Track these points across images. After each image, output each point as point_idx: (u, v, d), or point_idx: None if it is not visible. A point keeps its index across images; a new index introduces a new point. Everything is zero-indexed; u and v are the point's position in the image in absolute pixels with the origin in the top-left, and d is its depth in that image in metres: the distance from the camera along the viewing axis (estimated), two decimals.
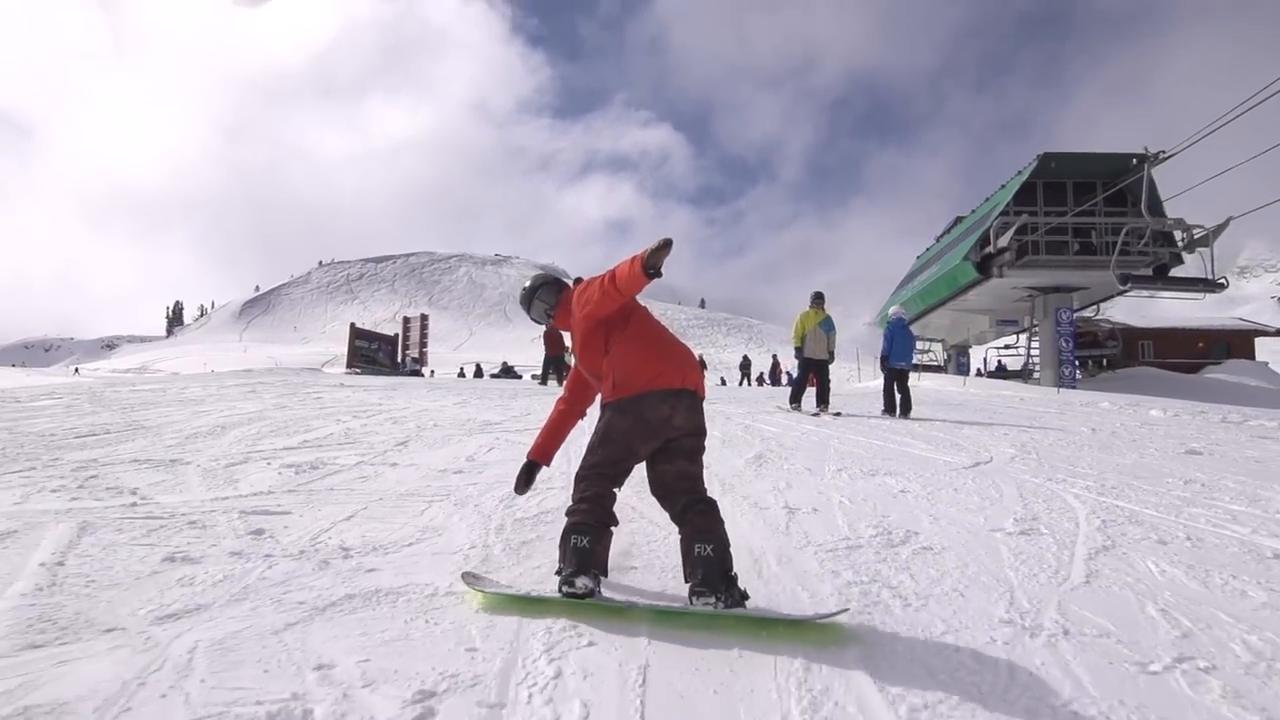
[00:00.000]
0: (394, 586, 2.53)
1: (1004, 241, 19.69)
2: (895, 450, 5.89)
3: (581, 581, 2.29)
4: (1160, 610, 2.39)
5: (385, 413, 7.82)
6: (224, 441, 5.71)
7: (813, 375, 9.61)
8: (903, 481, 4.47)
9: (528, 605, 2.33)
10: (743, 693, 1.82)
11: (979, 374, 27.25)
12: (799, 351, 9.64)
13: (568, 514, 2.44)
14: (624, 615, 2.27)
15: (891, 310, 10.03)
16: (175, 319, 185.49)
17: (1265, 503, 4.04)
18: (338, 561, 2.81)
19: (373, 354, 24.20)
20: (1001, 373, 26.48)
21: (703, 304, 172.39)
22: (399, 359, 25.87)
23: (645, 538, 3.16)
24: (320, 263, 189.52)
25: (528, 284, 2.84)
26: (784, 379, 33.23)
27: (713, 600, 2.20)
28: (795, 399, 9.63)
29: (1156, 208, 18.67)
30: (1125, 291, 20.28)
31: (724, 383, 29.17)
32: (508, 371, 31.24)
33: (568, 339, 2.82)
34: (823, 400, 9.43)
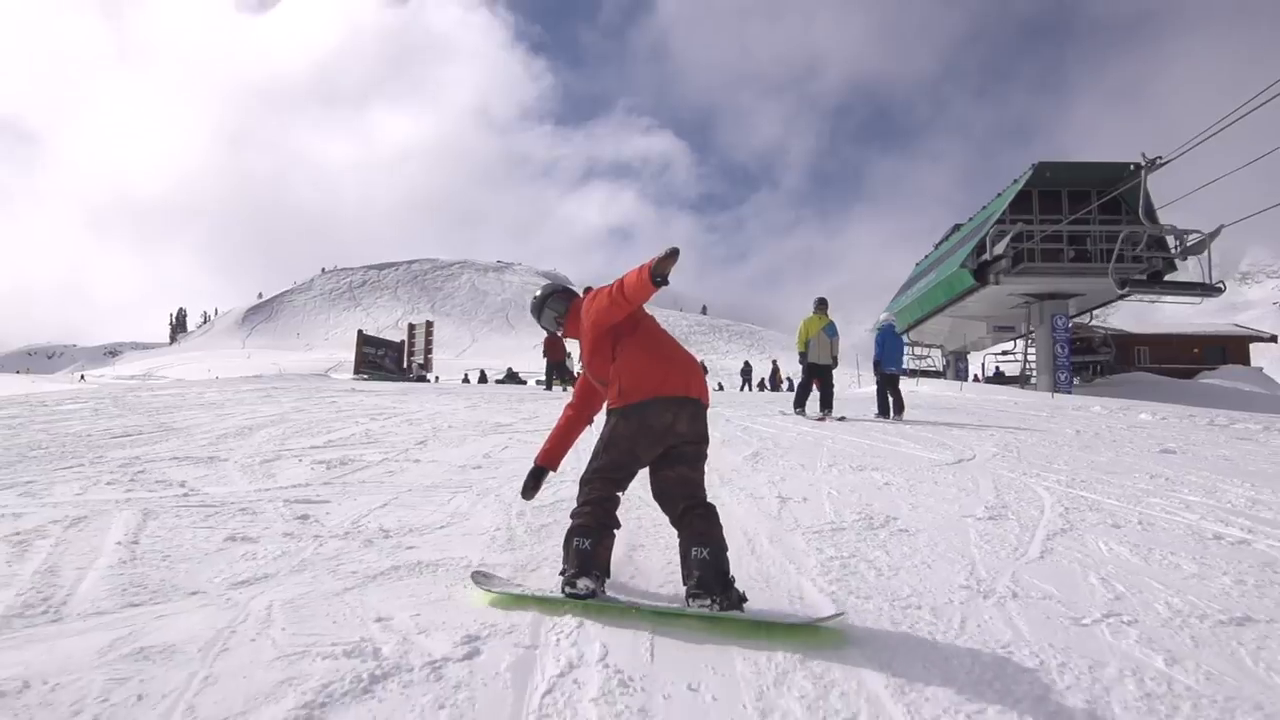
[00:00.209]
0: (433, 560, 2.90)
1: (1000, 249, 20.06)
2: (885, 449, 6.25)
3: (583, 582, 2.38)
4: (1100, 579, 2.75)
5: (400, 415, 8.19)
6: (253, 441, 6.08)
7: (816, 380, 9.65)
8: (888, 475, 4.83)
9: (534, 604, 2.42)
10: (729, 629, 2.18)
11: (975, 380, 27.57)
12: (803, 356, 9.68)
13: (572, 516, 2.52)
14: (625, 614, 2.35)
15: (882, 317, 10.33)
16: (179, 326, 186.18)
17: (1220, 494, 4.39)
18: (380, 541, 3.18)
19: (379, 360, 24.60)
20: (999, 379, 26.84)
21: (704, 310, 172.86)
22: (405, 365, 26.26)
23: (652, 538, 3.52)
24: (323, 269, 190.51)
25: (538, 293, 2.90)
26: (784, 385, 33.54)
27: (709, 602, 2.27)
28: (799, 404, 9.72)
29: (1151, 214, 19.02)
30: (1124, 296, 20.63)
31: (721, 388, 29.53)
32: (512, 377, 31.61)
33: (572, 345, 3.05)
34: (826, 405, 9.49)
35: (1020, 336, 24.32)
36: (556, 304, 2.85)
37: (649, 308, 2.69)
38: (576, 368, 19.38)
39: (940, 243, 27.53)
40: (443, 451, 5.65)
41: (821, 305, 9.72)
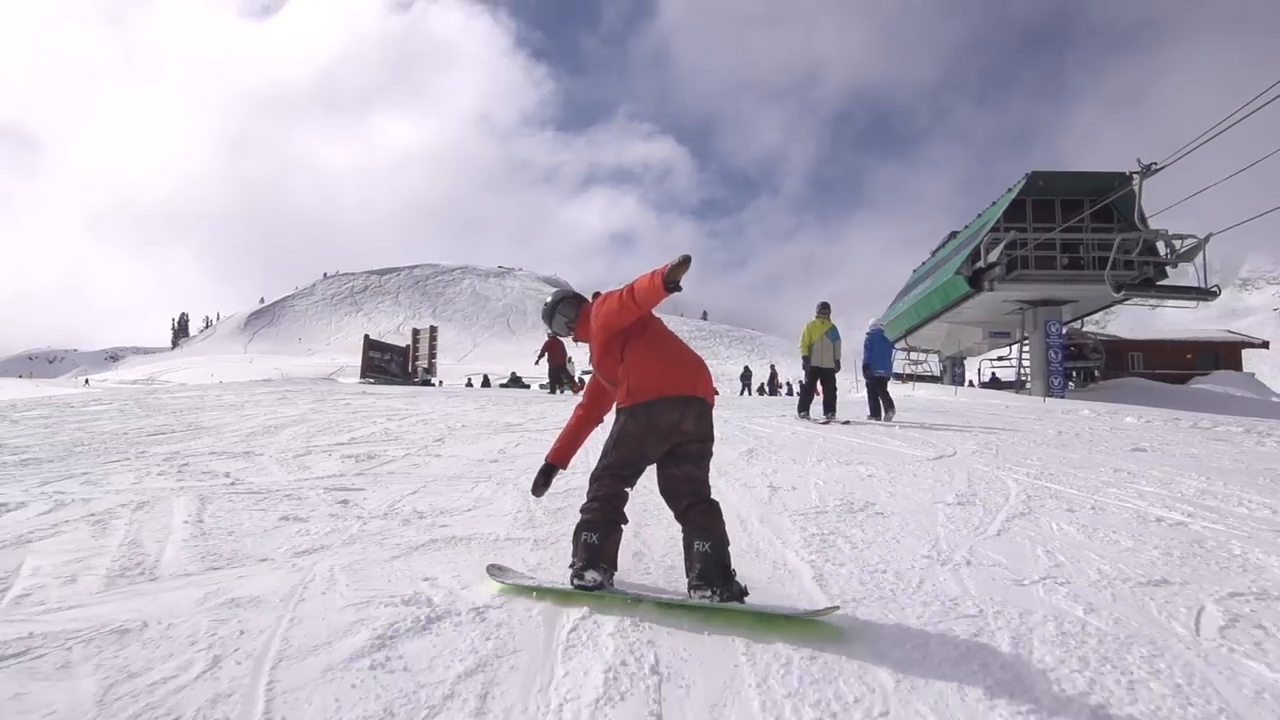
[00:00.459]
0: (465, 535, 3.32)
1: (993, 256, 20.51)
2: (873, 446, 6.67)
3: (590, 575, 2.47)
4: (1045, 551, 3.17)
5: (414, 416, 8.61)
6: (281, 439, 6.50)
7: (820, 383, 9.74)
8: (872, 469, 5.25)
9: (545, 595, 2.54)
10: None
11: (970, 385, 27.99)
12: (807, 360, 9.79)
13: (581, 511, 2.62)
14: (630, 605, 2.45)
15: (871, 322, 10.64)
16: (181, 330, 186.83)
17: (1174, 486, 4.80)
18: (416, 520, 3.60)
19: (385, 364, 25.05)
20: (995, 384, 27.27)
21: (705, 316, 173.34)
22: (410, 369, 26.70)
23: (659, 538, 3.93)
24: (325, 275, 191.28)
25: (549, 299, 3.03)
26: (783, 390, 33.94)
27: (709, 594, 2.35)
28: (804, 407, 9.84)
29: (1144, 220, 19.43)
30: (1120, 301, 21.06)
31: (717, 393, 29.84)
32: (516, 381, 32.04)
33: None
34: (830, 409, 9.60)
35: (1015, 342, 24.75)
36: (567, 309, 2.95)
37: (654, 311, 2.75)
38: (577, 372, 19.78)
39: (937, 250, 28.00)
40: (460, 448, 6.07)
41: (824, 310, 9.87)
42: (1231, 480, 5.08)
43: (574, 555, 2.57)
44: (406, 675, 1.96)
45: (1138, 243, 19.26)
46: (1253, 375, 26.74)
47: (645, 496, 3.57)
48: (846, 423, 9.46)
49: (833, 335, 9.79)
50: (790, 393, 32.61)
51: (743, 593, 2.38)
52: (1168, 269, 19.66)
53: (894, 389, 11.37)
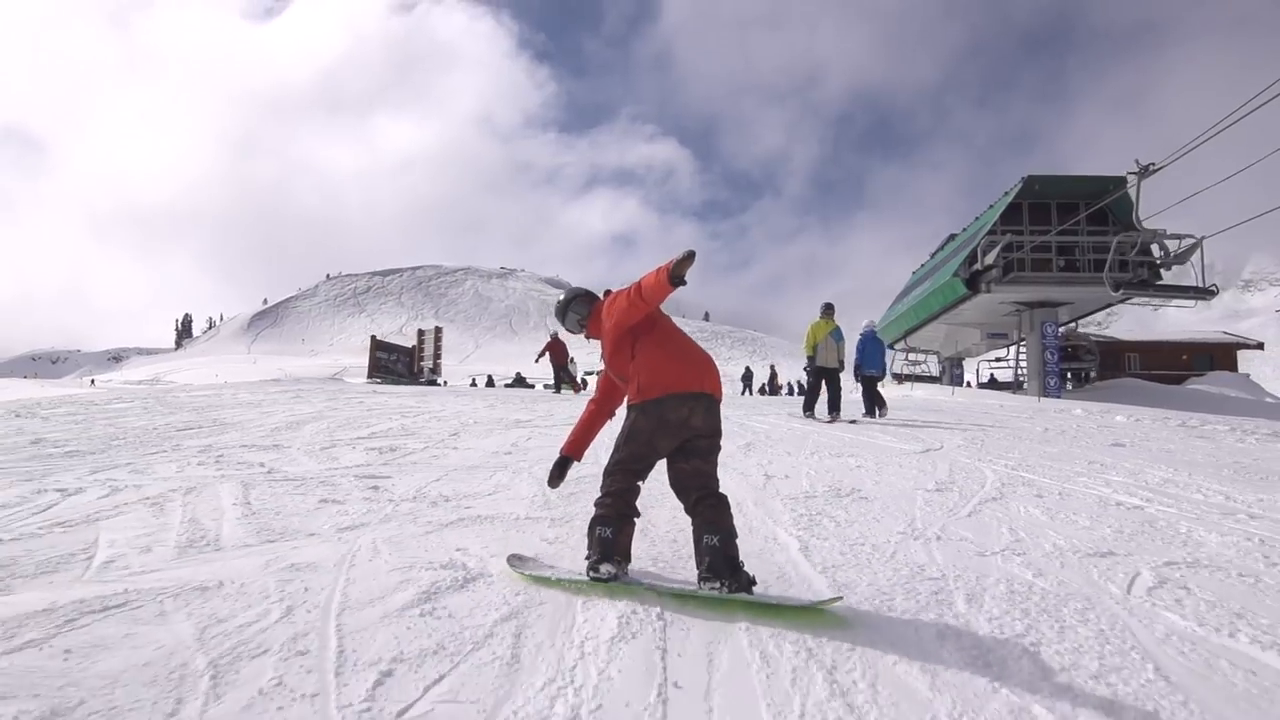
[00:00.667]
0: (489, 514, 3.70)
1: (990, 259, 20.87)
2: (864, 441, 7.03)
3: (605, 568, 2.58)
4: (1009, 529, 3.53)
5: (427, 413, 8.98)
6: (304, 433, 6.87)
7: (825, 383, 9.87)
8: (861, 461, 5.62)
9: (562, 586, 2.65)
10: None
11: (968, 385, 28.33)
12: (811, 360, 9.89)
13: (595, 505, 2.70)
14: (644, 595, 2.56)
15: (864, 324, 10.92)
16: (184, 331, 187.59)
17: (1142, 476, 5.16)
18: (442, 503, 3.98)
19: (392, 365, 25.45)
20: (993, 384, 27.61)
21: (707, 317, 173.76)
22: (415, 370, 27.10)
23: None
24: (328, 276, 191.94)
25: (562, 298, 3.10)
26: (783, 390, 34.29)
27: (718, 585, 2.44)
28: (809, 407, 9.88)
29: (1139, 222, 19.72)
30: (1119, 301, 21.38)
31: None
32: (520, 382, 32.42)
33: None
34: (834, 408, 9.71)
35: (1013, 343, 25.09)
36: (579, 307, 3.02)
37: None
38: (579, 373, 20.16)
39: (936, 252, 28.35)
40: (475, 441, 6.44)
41: (828, 310, 10.00)
42: (1197, 472, 5.44)
43: (589, 549, 2.66)
44: (451, 620, 2.33)
45: (1135, 244, 19.57)
46: (1247, 376, 27.05)
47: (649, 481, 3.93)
48: (853, 421, 9.57)
49: (836, 335, 9.99)
50: (791, 392, 32.97)
51: (750, 583, 2.46)
52: (1172, 266, 19.94)
53: (893, 389, 11.70)
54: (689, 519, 2.67)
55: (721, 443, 2.76)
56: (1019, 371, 23.76)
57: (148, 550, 3.05)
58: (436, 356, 29.09)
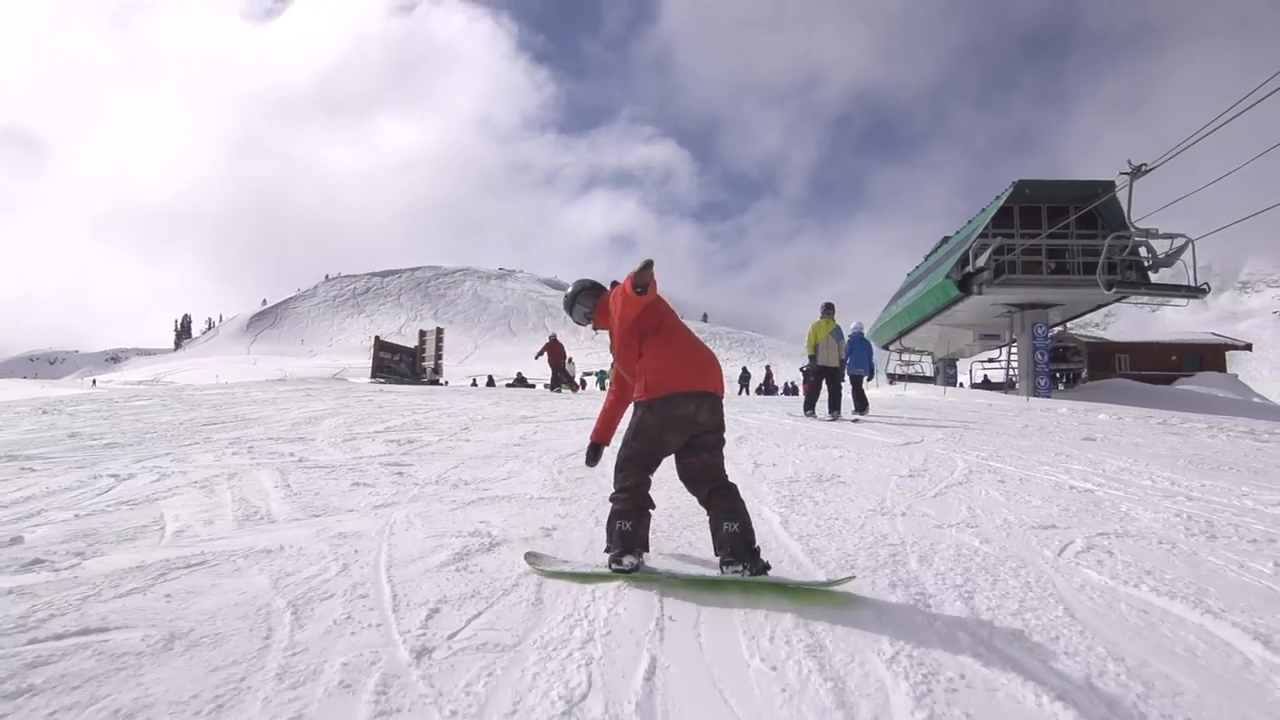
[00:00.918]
0: (506, 495, 4.14)
1: (982, 261, 21.36)
2: (850, 435, 7.49)
3: (628, 559, 2.70)
4: (968, 508, 3.98)
5: (436, 410, 9.42)
6: (324, 428, 7.31)
7: (825, 382, 10.14)
8: (844, 452, 6.07)
9: (584, 579, 2.74)
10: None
11: (961, 386, 28.81)
12: (812, 360, 10.11)
13: (611, 500, 2.82)
14: (664, 582, 2.67)
15: (853, 325, 11.33)
16: (184, 332, 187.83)
17: (1101, 465, 5.61)
18: (463, 486, 4.42)
19: (395, 365, 25.90)
20: (985, 384, 28.09)
21: (705, 318, 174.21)
22: (417, 370, 27.54)
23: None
24: (327, 276, 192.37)
25: (569, 290, 3.17)
26: (779, 390, 34.74)
27: (740, 569, 2.57)
28: (809, 406, 10.09)
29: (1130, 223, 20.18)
30: (1113, 301, 21.84)
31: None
32: (521, 381, 32.85)
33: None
34: (835, 407, 9.92)
35: (1005, 344, 25.58)
36: (586, 300, 3.11)
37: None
38: (578, 374, 20.62)
39: (930, 254, 28.85)
40: (485, 435, 6.88)
41: (829, 310, 10.25)
42: (1155, 462, 5.88)
43: (609, 542, 2.77)
44: (482, 575, 2.77)
45: (1129, 242, 20.01)
46: (1235, 376, 27.56)
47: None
48: (856, 420, 9.72)
49: (837, 335, 10.30)
50: (787, 392, 33.43)
51: (766, 566, 2.61)
52: (1160, 268, 20.39)
53: (888, 389, 12.09)
54: (694, 507, 2.88)
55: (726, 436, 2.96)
56: (1010, 372, 24.26)
57: (210, 523, 3.49)
58: (438, 357, 29.53)
